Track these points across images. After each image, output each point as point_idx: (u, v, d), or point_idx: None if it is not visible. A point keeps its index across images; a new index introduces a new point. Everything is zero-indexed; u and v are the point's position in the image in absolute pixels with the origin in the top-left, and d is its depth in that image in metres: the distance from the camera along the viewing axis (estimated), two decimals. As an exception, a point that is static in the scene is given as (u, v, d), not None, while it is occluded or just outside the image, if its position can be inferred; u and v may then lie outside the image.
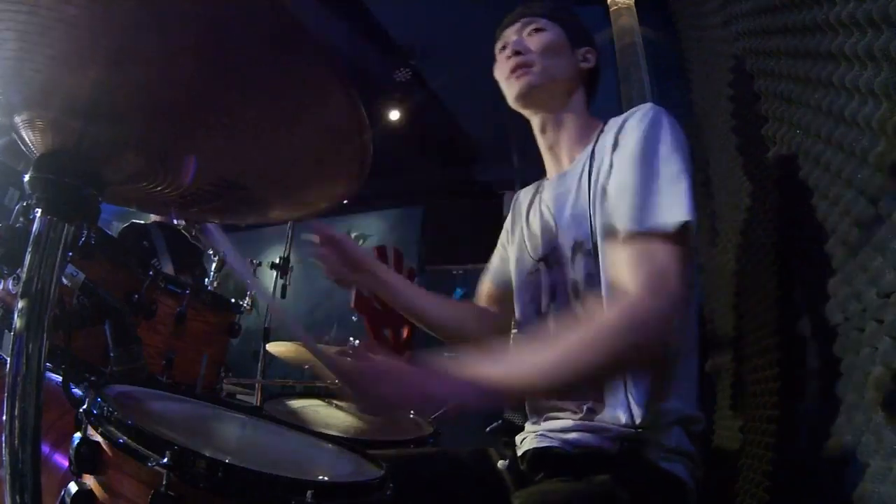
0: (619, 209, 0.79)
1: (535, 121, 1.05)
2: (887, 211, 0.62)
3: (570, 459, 0.85)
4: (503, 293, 1.15)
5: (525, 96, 1.00)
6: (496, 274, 1.19)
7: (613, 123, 0.95)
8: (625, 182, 0.80)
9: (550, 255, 1.00)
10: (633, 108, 0.90)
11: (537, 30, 1.02)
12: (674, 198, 0.75)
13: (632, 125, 0.86)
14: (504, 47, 1.04)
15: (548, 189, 1.05)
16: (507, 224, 1.20)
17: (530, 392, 0.77)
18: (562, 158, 1.04)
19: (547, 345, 0.71)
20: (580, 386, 0.82)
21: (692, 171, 0.79)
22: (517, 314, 1.07)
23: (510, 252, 1.15)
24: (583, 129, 1.02)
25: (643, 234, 0.75)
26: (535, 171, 1.16)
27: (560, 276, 0.97)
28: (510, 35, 1.04)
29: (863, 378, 0.65)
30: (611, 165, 0.86)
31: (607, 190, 0.84)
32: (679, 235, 0.73)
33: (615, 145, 0.87)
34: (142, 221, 2.48)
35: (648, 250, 0.74)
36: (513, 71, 0.99)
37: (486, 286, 1.21)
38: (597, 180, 0.89)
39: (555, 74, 1.00)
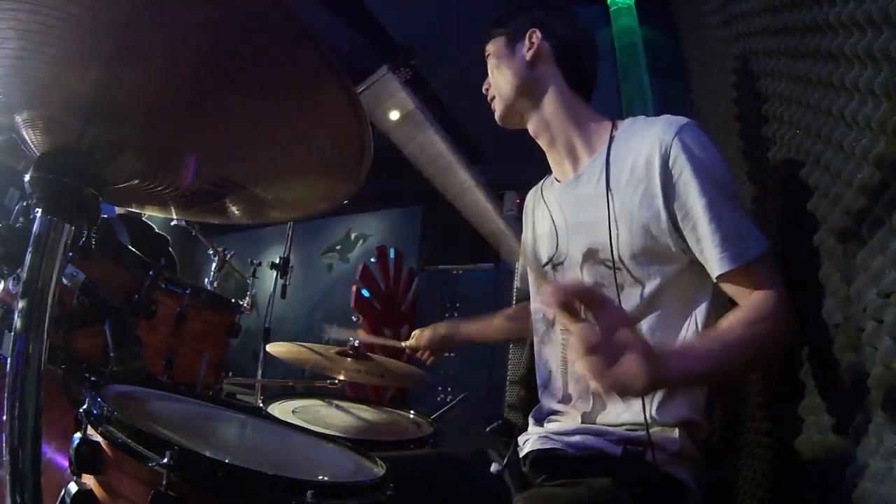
0: (715, 250, 0.79)
1: (529, 129, 1.06)
2: (887, 211, 0.62)
3: (572, 462, 0.85)
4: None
5: (503, 122, 1.06)
6: (522, 275, 1.23)
7: (630, 132, 0.93)
8: (713, 226, 0.80)
9: (556, 259, 0.99)
10: (665, 122, 0.88)
11: (488, 57, 1.06)
12: (753, 227, 0.80)
13: (682, 157, 0.83)
14: None
15: (556, 191, 1.04)
16: (523, 225, 1.21)
17: (718, 369, 0.75)
18: (563, 158, 1.02)
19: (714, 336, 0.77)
20: (743, 367, 0.85)
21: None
22: (532, 318, 1.07)
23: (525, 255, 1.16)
24: (579, 124, 0.99)
25: (749, 265, 0.78)
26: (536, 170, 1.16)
27: (564, 280, 0.97)
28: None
29: (863, 378, 0.65)
30: (664, 195, 0.83)
31: (679, 225, 0.83)
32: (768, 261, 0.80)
33: (665, 174, 0.84)
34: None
35: (758, 272, 0.79)
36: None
37: (521, 284, 1.30)
38: (628, 193, 0.87)
39: (506, 88, 1.02)
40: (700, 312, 0.86)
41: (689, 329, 0.86)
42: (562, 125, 1.00)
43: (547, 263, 1.01)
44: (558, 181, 1.05)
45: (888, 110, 0.61)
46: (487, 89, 1.07)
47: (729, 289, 0.81)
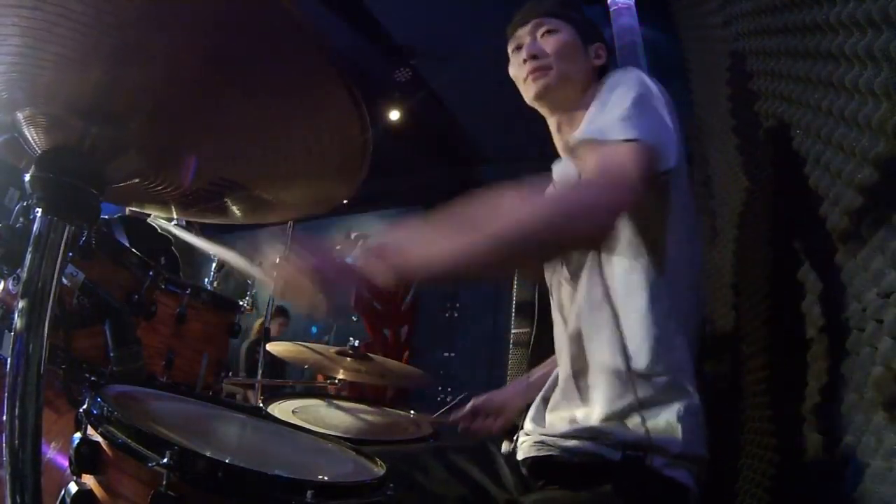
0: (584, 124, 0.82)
1: (552, 121, 1.05)
2: (887, 211, 0.62)
3: (571, 468, 0.84)
4: None
5: (541, 96, 1.01)
6: None
7: None
8: (595, 107, 0.84)
9: None
10: None
11: (550, 31, 1.02)
12: (627, 119, 0.78)
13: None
14: (518, 48, 1.04)
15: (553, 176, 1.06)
16: None
17: (447, 266, 0.65)
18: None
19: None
20: (502, 255, 0.69)
21: (673, 115, 0.83)
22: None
23: None
24: None
25: (594, 141, 0.79)
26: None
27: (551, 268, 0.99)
28: (523, 36, 1.04)
29: (863, 378, 0.65)
30: None
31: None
32: (634, 148, 0.75)
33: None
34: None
35: (601, 152, 0.77)
36: (531, 74, 1.00)
37: None
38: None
39: (570, 76, 1.00)
40: (659, 247, 0.85)
41: (651, 266, 0.85)
42: None
43: None
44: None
45: (888, 110, 0.61)
46: (536, 55, 1.00)
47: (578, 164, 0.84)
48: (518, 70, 1.04)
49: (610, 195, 0.72)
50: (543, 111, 1.05)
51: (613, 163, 0.74)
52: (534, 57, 1.00)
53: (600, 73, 1.04)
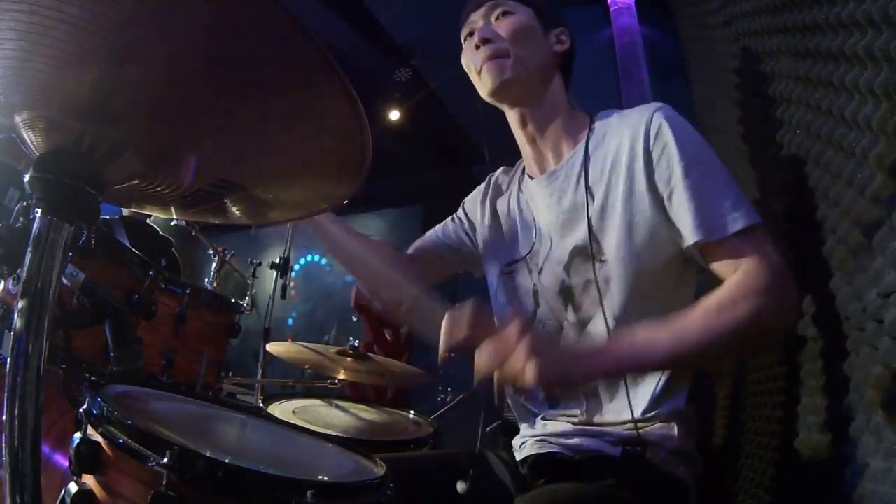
0: (690, 220, 0.78)
1: (513, 115, 0.98)
2: (887, 211, 0.62)
3: (573, 465, 0.84)
4: (427, 258, 1.17)
5: (499, 91, 0.93)
6: (428, 243, 1.17)
7: (605, 125, 0.92)
8: (689, 194, 0.78)
9: (532, 258, 0.96)
10: (642, 108, 0.87)
11: (505, 13, 0.94)
12: (740, 202, 0.78)
13: (664, 133, 0.82)
14: (471, 34, 0.96)
15: (532, 186, 0.98)
16: (475, 207, 1.12)
17: (676, 360, 0.74)
18: (545, 153, 0.97)
19: (685, 317, 0.73)
20: (718, 356, 0.80)
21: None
22: (496, 316, 1.05)
23: (480, 245, 1.10)
24: (567, 122, 0.96)
25: (717, 241, 0.77)
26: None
27: (546, 281, 0.93)
28: (476, 21, 0.96)
29: (863, 378, 0.65)
30: (647, 175, 0.82)
31: (664, 205, 0.81)
32: (756, 235, 0.77)
33: (647, 153, 0.82)
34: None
35: (740, 246, 0.76)
36: (484, 62, 0.92)
37: (418, 244, 1.18)
38: (611, 184, 0.86)
39: (529, 63, 0.92)
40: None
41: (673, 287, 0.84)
42: (555, 128, 0.96)
43: (518, 261, 0.98)
44: (531, 177, 1.00)
45: (888, 110, 0.61)
46: (489, 39, 0.92)
47: (713, 265, 0.79)
48: (471, 58, 0.95)
49: (773, 286, 0.72)
50: (502, 106, 0.98)
51: (757, 261, 0.74)
52: (487, 41, 0.92)
53: (563, 61, 0.99)
